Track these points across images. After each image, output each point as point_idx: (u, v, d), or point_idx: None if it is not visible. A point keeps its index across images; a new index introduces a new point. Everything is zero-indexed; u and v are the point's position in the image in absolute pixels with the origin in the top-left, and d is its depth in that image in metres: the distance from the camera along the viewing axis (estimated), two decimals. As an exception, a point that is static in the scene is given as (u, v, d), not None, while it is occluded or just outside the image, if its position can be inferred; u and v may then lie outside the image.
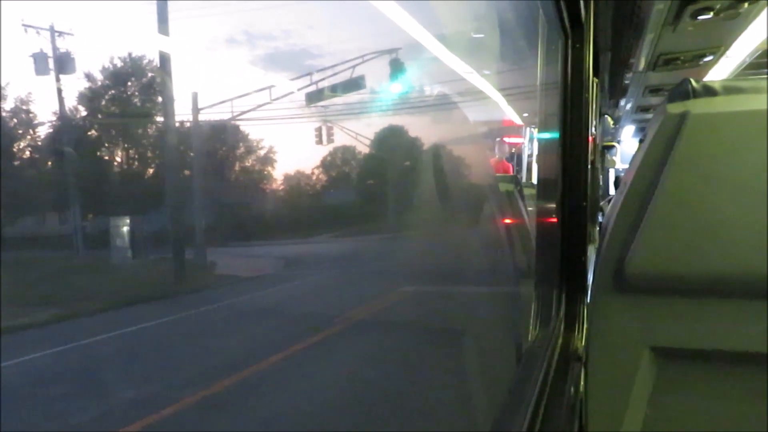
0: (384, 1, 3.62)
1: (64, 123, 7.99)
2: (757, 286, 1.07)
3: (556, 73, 1.79)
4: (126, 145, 10.35)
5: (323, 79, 10.52)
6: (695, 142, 1.13)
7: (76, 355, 5.03)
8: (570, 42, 1.71)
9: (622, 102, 5.37)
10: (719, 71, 3.78)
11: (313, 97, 10.86)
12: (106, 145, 10.07)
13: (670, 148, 1.15)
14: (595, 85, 2.40)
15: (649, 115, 5.04)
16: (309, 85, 10.58)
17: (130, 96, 10.25)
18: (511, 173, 4.81)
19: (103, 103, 9.87)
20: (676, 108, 1.18)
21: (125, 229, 8.18)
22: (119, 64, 10.03)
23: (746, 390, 1.13)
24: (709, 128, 1.14)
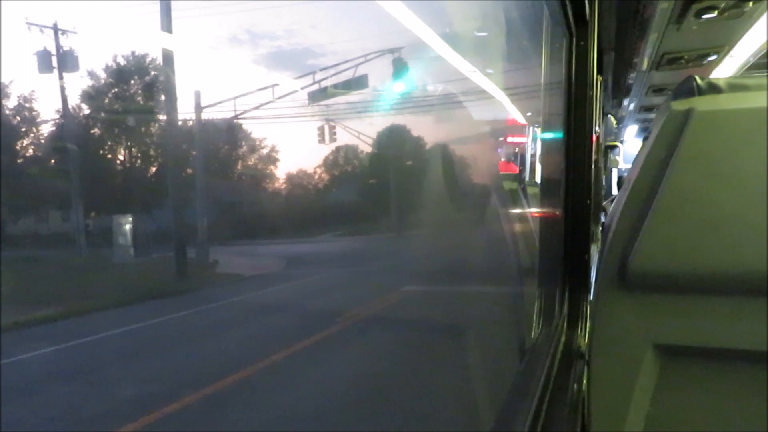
0: (386, 1, 3.62)
1: (67, 121, 8.01)
2: (761, 283, 1.07)
3: (560, 72, 1.79)
4: (129, 144, 10.38)
5: (326, 78, 10.54)
6: (700, 140, 1.13)
7: (76, 353, 5.04)
8: (574, 40, 1.71)
9: (626, 102, 5.36)
10: (723, 71, 3.76)
11: (316, 96, 10.88)
12: (109, 143, 10.10)
13: (675, 146, 1.14)
14: (598, 83, 2.40)
15: (653, 115, 5.04)
16: (312, 84, 10.61)
17: (133, 94, 10.29)
18: (516, 172, 4.81)
19: (106, 101, 9.89)
20: (680, 105, 1.17)
21: (128, 227, 8.21)
22: (122, 62, 10.06)
23: (750, 387, 1.13)
24: (713, 125, 1.13)
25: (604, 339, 1.25)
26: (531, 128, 5.04)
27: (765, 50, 3.43)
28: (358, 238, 15.48)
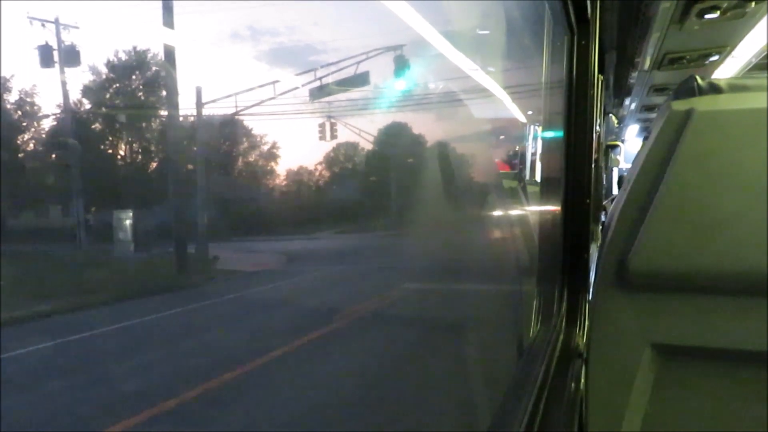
0: (388, -2, 3.61)
1: (69, 116, 8.01)
2: (760, 283, 1.07)
3: (561, 71, 1.79)
4: (129, 139, 10.37)
5: (327, 75, 10.51)
6: (700, 140, 1.13)
7: (77, 348, 5.05)
8: (576, 39, 1.71)
9: (627, 101, 5.36)
10: (725, 71, 3.76)
11: (317, 93, 10.86)
12: (110, 138, 10.08)
13: (675, 146, 1.14)
14: (600, 82, 2.39)
15: (654, 115, 5.03)
16: (313, 81, 10.58)
17: (134, 90, 10.27)
18: (515, 170, 4.81)
19: (108, 96, 9.88)
20: (681, 105, 1.17)
21: (128, 222, 8.20)
22: (124, 57, 10.04)
23: (748, 388, 1.13)
24: (714, 126, 1.13)
25: (602, 338, 1.25)
26: (531, 126, 5.03)
27: (767, 51, 3.43)
28: (358, 235, 15.49)
